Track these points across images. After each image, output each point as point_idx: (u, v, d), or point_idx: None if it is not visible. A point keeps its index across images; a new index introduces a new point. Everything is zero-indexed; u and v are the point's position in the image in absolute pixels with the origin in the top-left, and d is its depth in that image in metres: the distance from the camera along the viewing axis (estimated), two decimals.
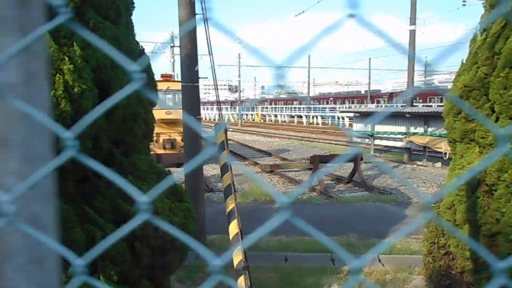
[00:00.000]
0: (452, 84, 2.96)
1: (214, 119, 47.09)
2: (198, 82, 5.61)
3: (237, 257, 2.69)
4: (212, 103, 74.56)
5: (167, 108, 13.11)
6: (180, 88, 13.07)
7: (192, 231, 2.90)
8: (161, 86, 12.39)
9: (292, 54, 0.55)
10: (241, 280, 2.68)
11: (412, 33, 15.88)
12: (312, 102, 45.64)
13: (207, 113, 52.62)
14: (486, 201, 2.61)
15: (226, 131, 3.53)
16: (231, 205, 2.94)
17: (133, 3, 3.06)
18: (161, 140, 12.82)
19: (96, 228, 2.17)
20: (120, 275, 2.35)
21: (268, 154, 16.38)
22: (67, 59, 1.96)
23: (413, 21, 15.79)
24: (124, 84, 2.68)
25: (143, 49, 3.08)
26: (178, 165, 12.71)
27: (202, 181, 5.94)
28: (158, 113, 13.10)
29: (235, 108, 51.20)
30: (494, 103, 2.45)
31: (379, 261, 4.95)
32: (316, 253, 5.20)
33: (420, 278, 4.26)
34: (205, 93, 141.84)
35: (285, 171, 12.04)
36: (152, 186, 2.84)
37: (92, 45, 2.36)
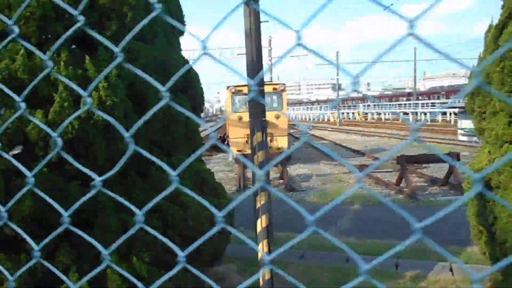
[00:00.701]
0: None
1: (314, 119, 46.96)
2: (263, 86, 5.88)
3: (263, 248, 2.89)
4: (312, 103, 74.51)
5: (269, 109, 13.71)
6: (269, 90, 13.63)
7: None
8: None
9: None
10: (266, 272, 2.88)
11: None
12: (420, 97, 42.31)
13: (309, 113, 52.76)
14: None
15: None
16: (261, 201, 3.15)
17: (183, 24, 3.51)
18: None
19: (130, 216, 2.59)
20: (152, 258, 2.75)
21: (361, 154, 15.89)
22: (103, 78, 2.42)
23: None
24: (158, 94, 3.11)
25: (186, 60, 3.48)
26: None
27: (268, 179, 6.19)
28: (247, 115, 13.86)
29: (341, 107, 50.26)
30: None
31: (450, 269, 4.60)
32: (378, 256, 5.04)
33: None
34: (308, 93, 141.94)
35: (373, 172, 11.59)
36: (188, 182, 3.21)
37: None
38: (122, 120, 2.52)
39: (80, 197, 1.08)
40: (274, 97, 13.89)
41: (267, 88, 13.54)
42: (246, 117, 13.06)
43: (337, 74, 38.67)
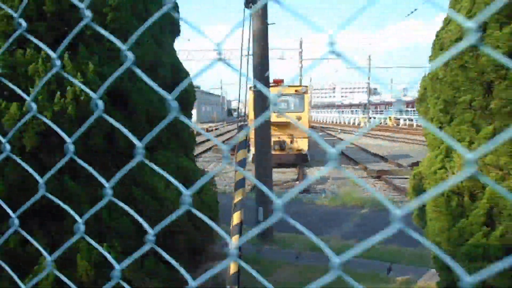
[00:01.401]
0: None
1: (346, 123, 46.34)
2: (269, 87, 5.94)
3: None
4: (345, 106, 73.43)
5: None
6: (291, 92, 13.61)
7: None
8: (273, 90, 13.14)
9: None
10: (232, 267, 2.96)
11: None
12: None
13: (342, 117, 52.04)
14: None
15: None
16: (237, 198, 3.22)
17: (177, 30, 3.68)
18: (271, 142, 13.54)
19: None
20: (124, 246, 2.88)
21: (384, 159, 15.55)
22: (79, 74, 2.57)
23: None
24: (142, 91, 3.22)
25: (177, 60, 3.62)
26: (285, 165, 13.26)
27: (270, 180, 6.24)
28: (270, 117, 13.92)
29: (376, 111, 49.22)
30: None
31: None
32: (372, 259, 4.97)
33: None
34: (342, 97, 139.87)
35: (392, 178, 11.33)
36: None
37: (109, 63, 2.96)
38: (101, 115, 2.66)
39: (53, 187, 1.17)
40: (296, 99, 13.89)
41: (289, 90, 13.56)
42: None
43: (368, 79, 37.96)
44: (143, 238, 2.89)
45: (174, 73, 3.58)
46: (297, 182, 10.98)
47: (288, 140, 13.65)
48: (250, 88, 14.40)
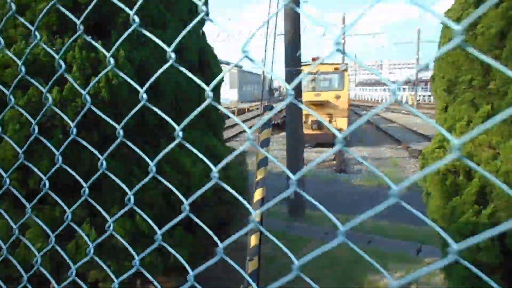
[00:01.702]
0: None
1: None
2: (300, 67, 5.97)
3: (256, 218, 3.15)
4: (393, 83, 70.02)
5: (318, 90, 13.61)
6: (330, 70, 13.42)
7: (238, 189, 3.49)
8: (310, 69, 13.00)
9: None
10: (253, 239, 3.15)
11: None
12: None
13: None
14: None
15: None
16: (260, 176, 3.37)
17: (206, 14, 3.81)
18: (309, 121, 13.51)
19: (137, 180, 3.00)
20: (154, 217, 3.16)
21: (428, 139, 15.01)
22: (111, 59, 2.81)
23: None
24: (170, 74, 3.43)
25: (207, 44, 3.78)
26: (324, 144, 13.21)
27: (301, 160, 6.33)
28: (307, 95, 13.90)
29: (423, 88, 47.01)
30: None
31: None
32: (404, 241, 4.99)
33: None
34: (390, 73, 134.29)
35: None
36: (191, 153, 3.56)
37: (138, 48, 3.17)
38: (128, 97, 2.90)
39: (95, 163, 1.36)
40: (335, 77, 13.66)
41: (327, 68, 13.34)
42: (306, 97, 13.09)
43: (417, 54, 36.13)
44: (170, 209, 3.21)
45: (200, 56, 3.74)
46: (334, 162, 10.95)
47: (327, 119, 13.55)
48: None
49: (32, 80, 1.56)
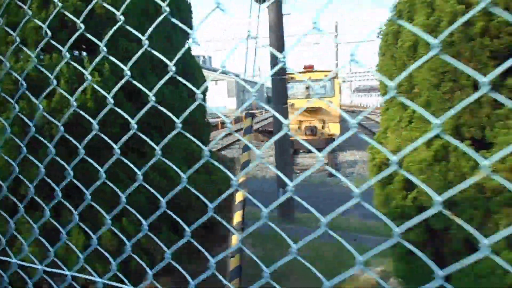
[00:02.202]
0: None
1: None
2: (285, 75, 6.20)
3: (237, 219, 3.34)
4: None
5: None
6: (321, 77, 13.65)
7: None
8: (304, 76, 13.29)
9: None
10: (234, 238, 3.33)
11: None
12: None
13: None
14: None
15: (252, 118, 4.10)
16: (242, 179, 3.56)
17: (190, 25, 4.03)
18: (303, 127, 13.74)
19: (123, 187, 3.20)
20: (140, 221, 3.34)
21: None
22: (96, 73, 3.02)
23: None
24: (151, 85, 3.64)
25: (193, 57, 4.01)
26: (317, 149, 13.40)
27: (289, 163, 6.53)
28: (299, 102, 14.06)
29: None
30: None
31: None
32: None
33: None
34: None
35: None
36: (173, 157, 3.73)
37: (123, 62, 3.38)
38: (112, 108, 3.10)
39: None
40: (326, 84, 13.91)
41: (318, 75, 13.61)
42: (298, 104, 13.32)
43: None
44: (155, 212, 3.34)
45: (185, 68, 3.96)
46: (327, 167, 11.11)
47: (319, 125, 13.77)
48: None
49: (28, 93, 1.77)
